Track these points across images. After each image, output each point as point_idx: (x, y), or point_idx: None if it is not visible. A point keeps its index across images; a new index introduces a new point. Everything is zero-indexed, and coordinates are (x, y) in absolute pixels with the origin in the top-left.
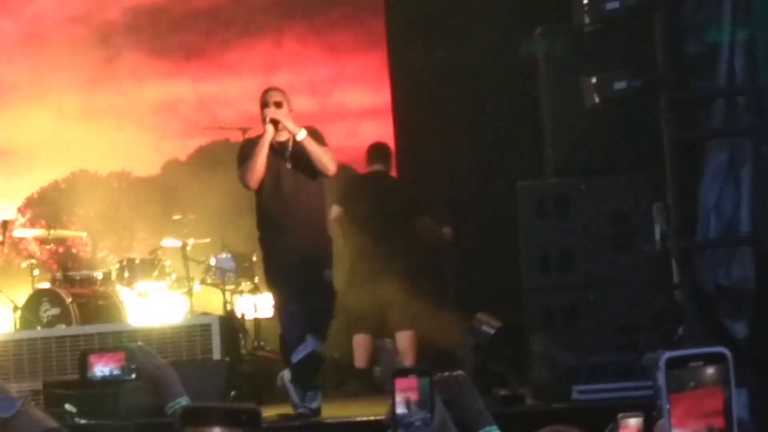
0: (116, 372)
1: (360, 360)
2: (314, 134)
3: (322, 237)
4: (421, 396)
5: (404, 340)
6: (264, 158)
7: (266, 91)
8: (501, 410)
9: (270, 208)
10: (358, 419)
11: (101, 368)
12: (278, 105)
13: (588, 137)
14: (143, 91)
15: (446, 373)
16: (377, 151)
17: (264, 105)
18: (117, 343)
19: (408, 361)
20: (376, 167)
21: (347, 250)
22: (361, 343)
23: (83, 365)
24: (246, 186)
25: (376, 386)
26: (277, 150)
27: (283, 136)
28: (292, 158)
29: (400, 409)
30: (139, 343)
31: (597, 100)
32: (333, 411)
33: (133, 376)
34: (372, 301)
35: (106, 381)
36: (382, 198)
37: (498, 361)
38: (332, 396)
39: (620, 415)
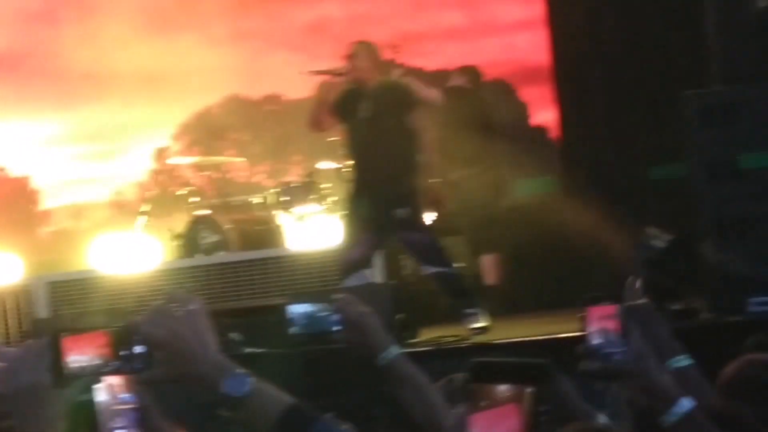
0: (320, 318)
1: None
2: (398, 90)
3: (403, 179)
4: (616, 324)
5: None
6: (320, 107)
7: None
8: (674, 325)
9: (351, 154)
10: (527, 339)
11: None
12: (352, 57)
13: (756, 41)
14: (292, 12)
15: (629, 303)
16: None
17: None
18: (277, 269)
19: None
20: None
21: None
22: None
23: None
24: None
25: None
26: (356, 97)
27: (369, 83)
28: (373, 106)
29: (596, 339)
30: (342, 294)
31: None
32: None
33: (338, 327)
34: None
35: (309, 332)
36: None
37: (670, 275)
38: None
39: None
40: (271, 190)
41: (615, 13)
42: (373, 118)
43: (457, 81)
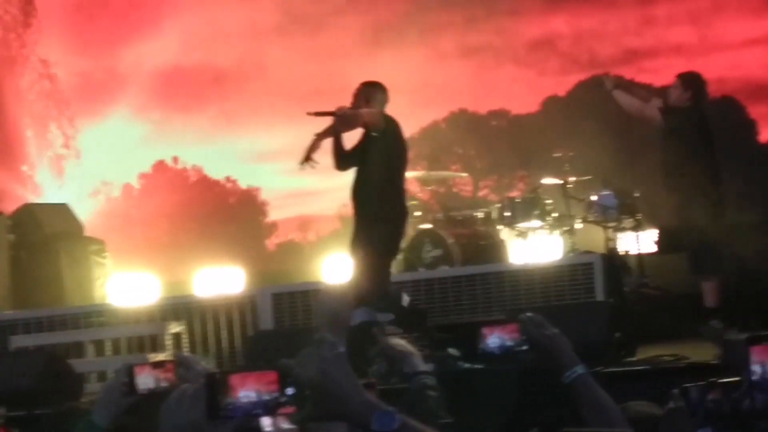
0: (509, 343)
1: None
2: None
3: (365, 219)
4: None
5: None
6: (335, 148)
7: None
8: None
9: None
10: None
11: (494, 339)
12: (356, 100)
13: None
14: (520, 27)
15: None
16: None
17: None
18: (499, 284)
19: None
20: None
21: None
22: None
23: (474, 336)
24: None
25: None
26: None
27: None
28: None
29: (757, 376)
30: (529, 314)
31: None
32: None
33: (525, 347)
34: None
35: (502, 351)
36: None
37: None
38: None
39: None
40: (495, 205)
41: None
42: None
43: (677, 95)
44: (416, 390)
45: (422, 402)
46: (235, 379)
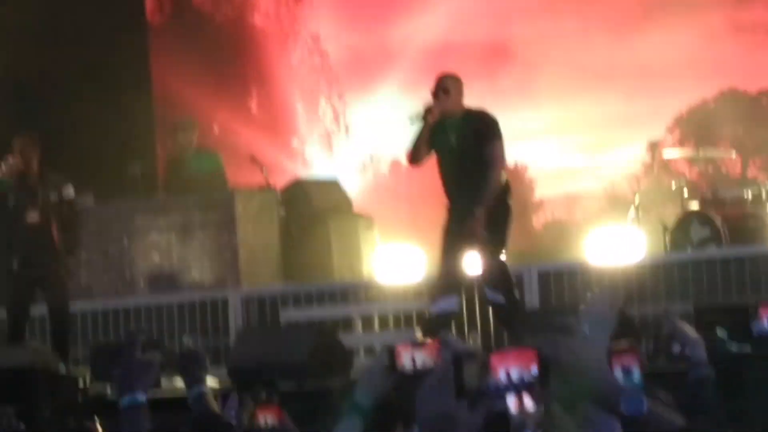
0: None
1: None
2: (482, 124)
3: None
4: None
5: None
6: (422, 142)
7: (438, 78)
8: None
9: (443, 183)
10: None
11: None
12: (446, 92)
13: None
14: None
15: None
16: None
17: (433, 94)
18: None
19: None
20: None
21: None
22: None
23: (747, 317)
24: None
25: None
26: (445, 128)
27: (456, 114)
28: (457, 137)
29: None
30: None
31: None
32: None
33: None
34: None
35: None
36: None
37: None
38: None
39: None
40: (765, 185)
41: None
42: (457, 149)
43: None
44: (693, 382)
45: (696, 396)
46: (496, 359)
